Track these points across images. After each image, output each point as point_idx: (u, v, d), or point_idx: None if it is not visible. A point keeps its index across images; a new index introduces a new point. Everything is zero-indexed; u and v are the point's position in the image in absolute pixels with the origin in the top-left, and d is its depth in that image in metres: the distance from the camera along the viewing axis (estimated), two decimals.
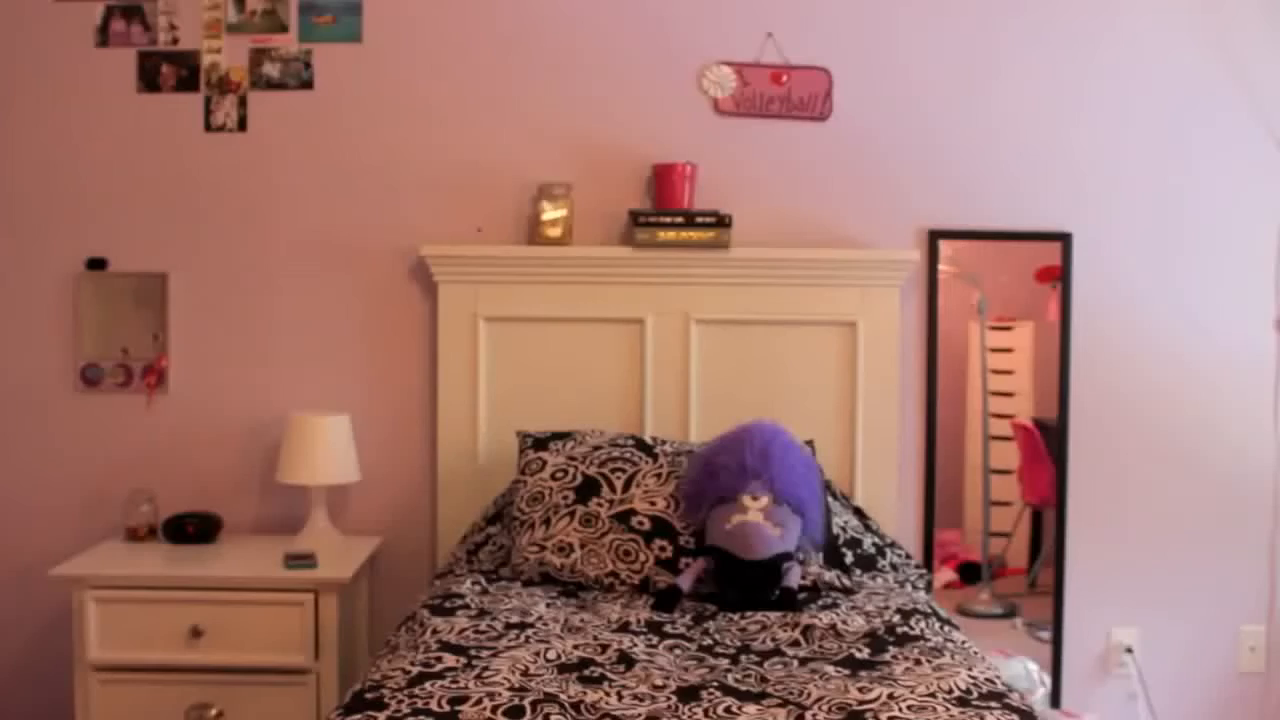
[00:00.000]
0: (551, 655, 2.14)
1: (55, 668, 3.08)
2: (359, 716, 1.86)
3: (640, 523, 2.70)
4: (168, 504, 3.17)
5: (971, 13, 3.21)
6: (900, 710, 1.90)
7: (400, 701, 1.90)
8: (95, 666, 2.80)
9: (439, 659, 2.10)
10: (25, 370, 3.24)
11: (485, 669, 2.04)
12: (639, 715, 1.87)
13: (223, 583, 2.83)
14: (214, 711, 2.80)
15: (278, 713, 2.80)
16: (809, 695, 1.97)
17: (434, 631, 2.28)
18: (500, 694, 1.91)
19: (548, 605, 2.51)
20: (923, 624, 2.40)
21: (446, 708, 1.87)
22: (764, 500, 2.60)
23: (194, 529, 3.08)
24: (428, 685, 1.96)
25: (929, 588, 2.94)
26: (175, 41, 3.20)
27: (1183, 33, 3.21)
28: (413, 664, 2.08)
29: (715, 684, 2.03)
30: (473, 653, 2.14)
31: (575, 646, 2.20)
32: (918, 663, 2.16)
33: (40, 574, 2.92)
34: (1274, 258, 3.23)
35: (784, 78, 3.20)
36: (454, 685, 1.96)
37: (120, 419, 3.23)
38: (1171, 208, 3.24)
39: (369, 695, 1.94)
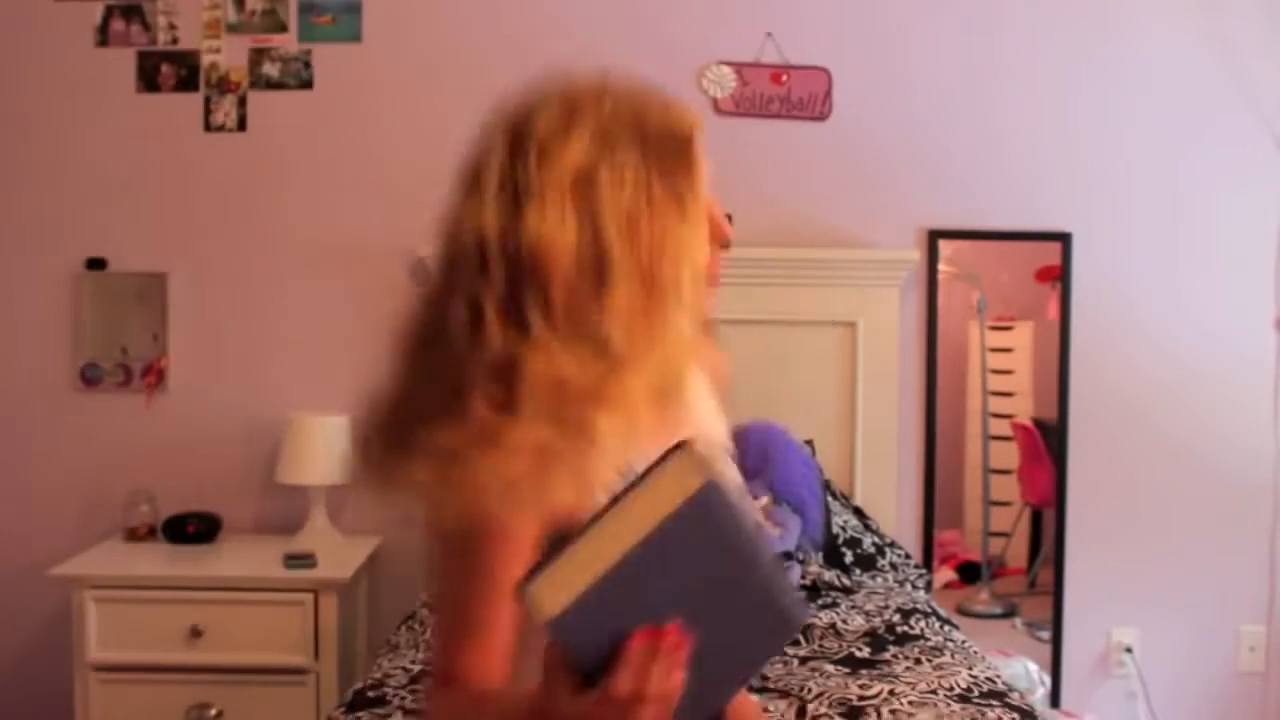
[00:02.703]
0: None
1: (55, 668, 3.07)
2: (363, 714, 1.86)
3: None
4: (168, 504, 3.16)
5: (971, 12, 3.21)
6: (901, 703, 1.90)
7: (403, 700, 1.90)
8: (95, 666, 2.80)
9: None
10: (25, 370, 3.24)
11: None
12: None
13: (222, 583, 2.83)
14: (214, 711, 2.80)
15: (277, 713, 2.80)
16: (809, 693, 1.97)
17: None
18: None
19: None
20: (922, 623, 2.40)
21: None
22: (764, 500, 2.60)
23: (194, 529, 3.07)
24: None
25: (929, 587, 2.94)
26: (175, 41, 3.20)
27: (1183, 32, 3.21)
28: (414, 662, 2.08)
29: None
30: None
31: None
32: (918, 661, 2.16)
33: (40, 574, 2.92)
34: (1274, 258, 3.23)
35: (784, 78, 3.20)
36: None
37: (120, 419, 3.23)
38: (1171, 208, 3.24)
39: (370, 693, 1.94)
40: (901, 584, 2.80)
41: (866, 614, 2.44)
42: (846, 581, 2.68)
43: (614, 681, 0.87)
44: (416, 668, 2.05)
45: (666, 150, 1.10)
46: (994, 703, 1.95)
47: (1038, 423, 3.30)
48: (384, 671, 2.06)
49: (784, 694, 1.96)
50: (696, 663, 0.87)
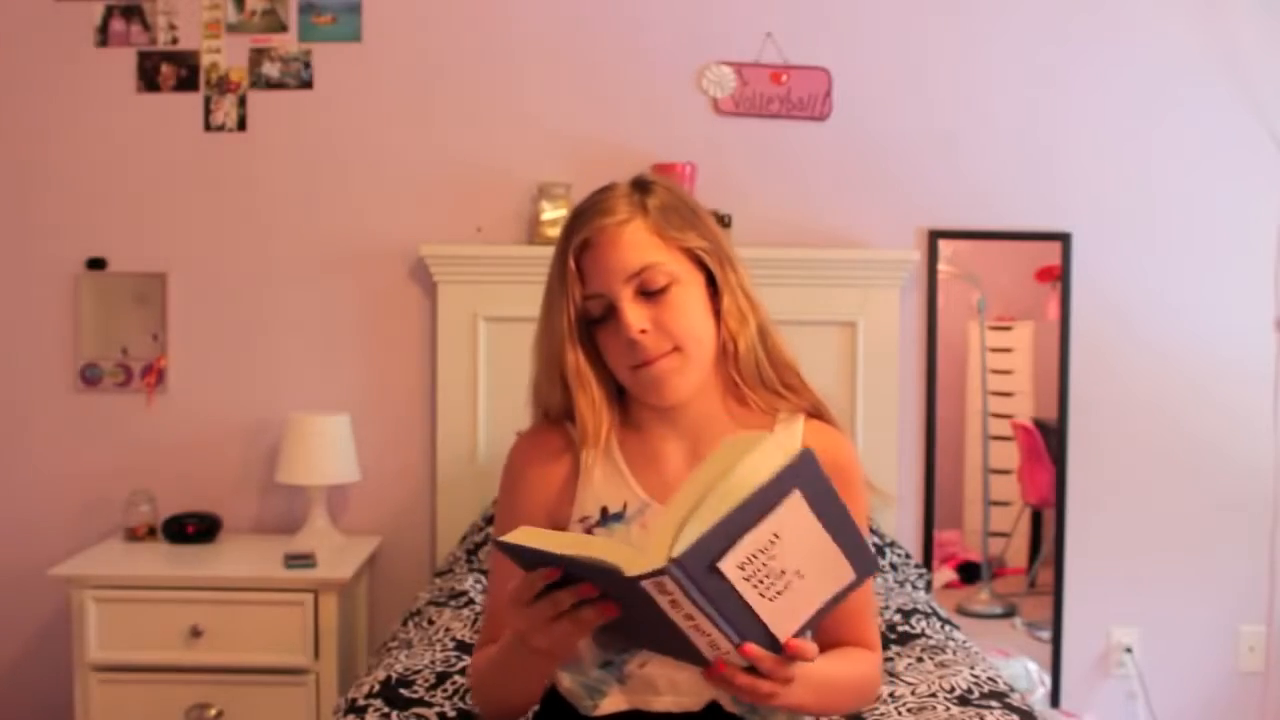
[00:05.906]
0: None
1: (55, 668, 3.08)
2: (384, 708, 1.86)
3: None
4: (168, 504, 3.16)
5: (971, 12, 3.21)
6: (906, 699, 1.90)
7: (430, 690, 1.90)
8: (95, 666, 2.80)
9: (459, 658, 2.11)
10: (25, 370, 3.24)
11: None
12: None
13: (222, 583, 2.82)
14: (214, 711, 2.80)
15: (277, 713, 2.80)
16: None
17: (446, 629, 2.28)
18: None
19: None
20: (923, 623, 2.40)
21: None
22: None
23: (194, 529, 3.07)
24: (446, 685, 1.97)
25: (929, 587, 2.94)
26: (175, 41, 3.20)
27: (1183, 32, 3.21)
28: (432, 660, 2.09)
29: None
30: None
31: None
32: (919, 660, 2.16)
33: (40, 574, 2.92)
34: (1274, 258, 3.23)
35: (784, 77, 3.20)
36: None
37: (120, 419, 3.23)
38: (1171, 208, 3.24)
39: (402, 690, 1.94)
40: (902, 584, 2.80)
41: None
42: None
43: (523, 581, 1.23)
44: (440, 667, 2.05)
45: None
46: (994, 703, 1.95)
47: (1038, 423, 3.30)
48: (405, 666, 2.05)
49: None
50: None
